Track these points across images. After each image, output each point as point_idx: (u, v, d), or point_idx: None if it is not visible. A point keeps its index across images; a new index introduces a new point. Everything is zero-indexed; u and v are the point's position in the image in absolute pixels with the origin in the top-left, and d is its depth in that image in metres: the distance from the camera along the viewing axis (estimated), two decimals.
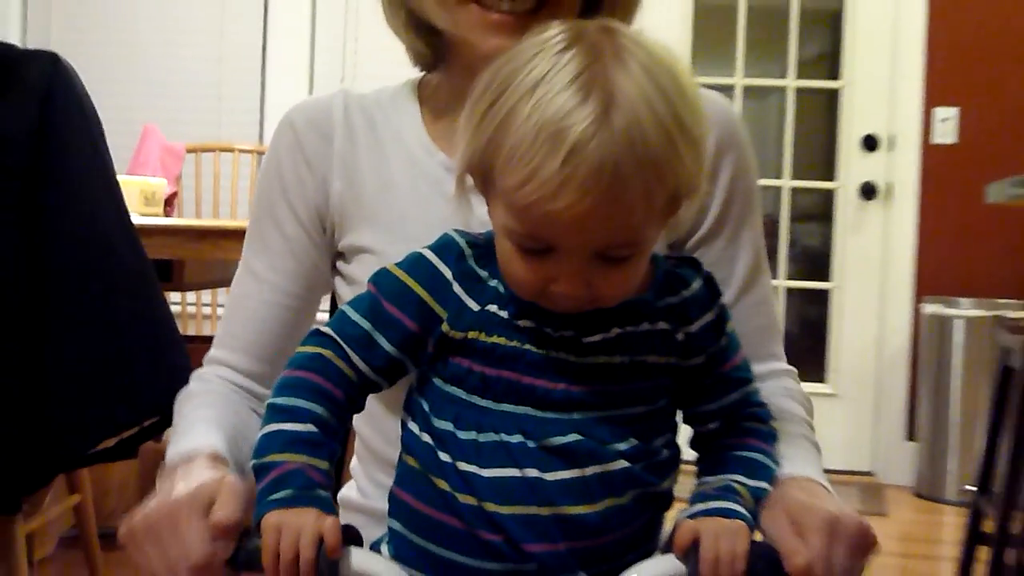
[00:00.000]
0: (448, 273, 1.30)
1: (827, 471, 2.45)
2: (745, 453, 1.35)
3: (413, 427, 1.32)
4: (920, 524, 4.83)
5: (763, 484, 1.31)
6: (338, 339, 1.30)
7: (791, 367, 1.59)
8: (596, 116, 1.13)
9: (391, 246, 1.40)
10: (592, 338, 1.28)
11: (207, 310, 5.21)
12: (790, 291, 5.73)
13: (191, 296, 5.18)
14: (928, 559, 4.32)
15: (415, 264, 1.32)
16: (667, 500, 1.36)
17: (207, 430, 1.39)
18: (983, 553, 3.69)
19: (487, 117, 1.21)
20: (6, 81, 2.79)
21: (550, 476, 1.24)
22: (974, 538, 3.80)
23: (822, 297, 5.71)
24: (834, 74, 5.68)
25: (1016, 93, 5.44)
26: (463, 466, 1.24)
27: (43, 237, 2.80)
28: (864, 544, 1.23)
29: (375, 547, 1.33)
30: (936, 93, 5.50)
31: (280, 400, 1.26)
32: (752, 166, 1.57)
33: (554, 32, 1.23)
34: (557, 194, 1.13)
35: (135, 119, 5.35)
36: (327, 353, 1.29)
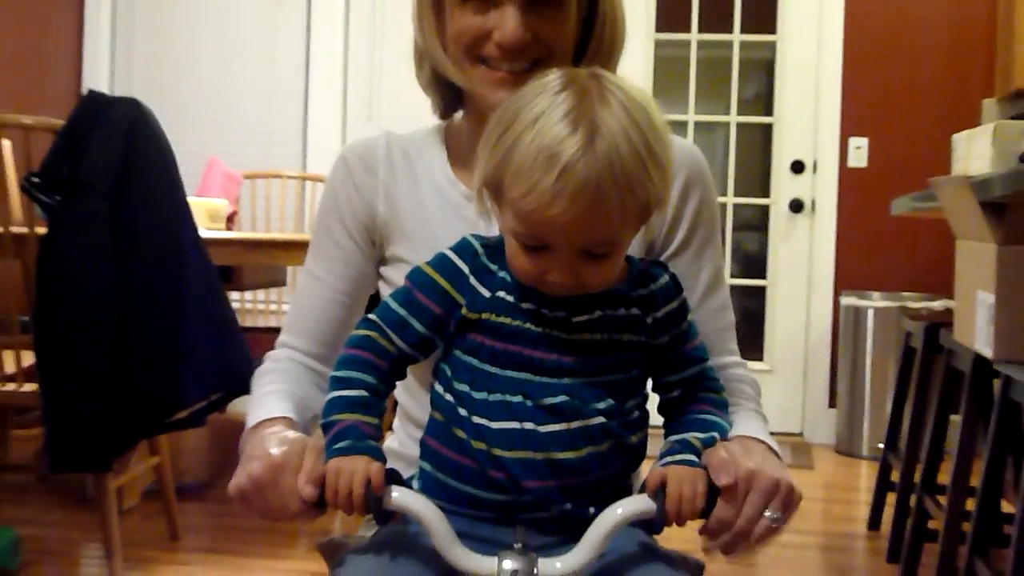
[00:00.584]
0: (465, 268, 1.36)
1: None
2: (701, 416, 1.40)
3: (439, 388, 1.38)
4: (840, 475, 4.81)
5: (715, 438, 1.36)
6: (381, 323, 1.36)
7: (743, 360, 1.63)
8: (583, 143, 1.20)
9: (422, 257, 1.41)
10: (579, 318, 1.33)
11: (261, 306, 5.19)
12: (733, 287, 5.53)
13: (248, 295, 5.15)
14: (847, 503, 4.32)
15: (439, 262, 1.37)
16: (638, 453, 1.40)
17: (280, 400, 1.44)
18: (891, 498, 3.71)
19: (499, 143, 1.27)
20: (98, 122, 2.86)
21: (543, 428, 1.30)
22: (883, 486, 3.87)
23: (760, 292, 5.70)
24: (768, 111, 5.68)
25: (914, 125, 5.46)
26: (476, 419, 1.31)
27: (129, 247, 2.88)
28: (792, 496, 1.28)
29: (408, 483, 1.33)
30: (850, 125, 5.52)
31: (340, 373, 1.34)
32: (714, 199, 1.60)
33: (552, 77, 1.30)
34: (551, 203, 1.20)
35: (202, 152, 5.32)
36: (373, 334, 1.36)
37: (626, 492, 1.36)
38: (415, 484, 1.38)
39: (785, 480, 1.27)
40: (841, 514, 4.17)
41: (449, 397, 1.35)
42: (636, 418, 1.38)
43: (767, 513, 1.24)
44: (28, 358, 3.03)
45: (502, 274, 1.36)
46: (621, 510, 1.25)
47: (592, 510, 1.29)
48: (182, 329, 2.94)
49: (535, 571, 1.21)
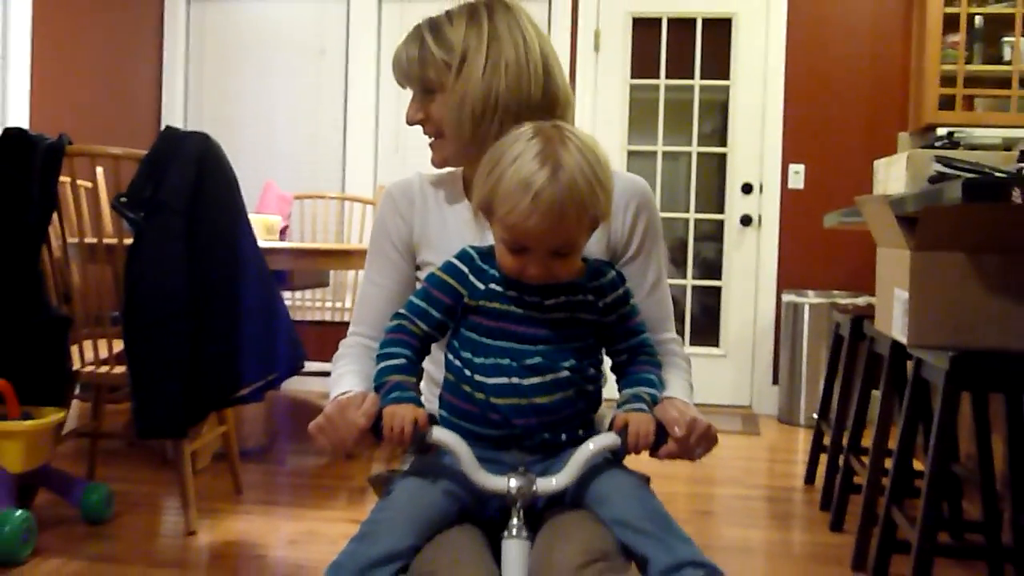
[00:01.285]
0: (465, 269, 1.52)
1: (719, 406, 2.72)
2: (644, 375, 1.57)
3: (450, 356, 1.54)
4: (781, 440, 4.81)
5: (656, 393, 1.55)
6: (408, 313, 1.53)
7: (678, 337, 1.76)
8: (549, 175, 1.38)
9: (443, 260, 1.57)
10: (549, 302, 1.50)
11: (308, 303, 5.19)
12: (694, 287, 5.72)
13: (298, 294, 5.11)
14: (787, 463, 4.32)
15: (446, 267, 1.54)
16: (595, 398, 1.58)
17: (351, 378, 1.58)
18: (823, 458, 3.73)
19: (489, 176, 1.43)
20: (174, 152, 2.88)
21: (526, 381, 1.47)
22: (817, 448, 3.89)
23: (716, 291, 5.69)
24: (723, 143, 5.65)
25: (842, 154, 5.48)
26: (477, 378, 1.48)
27: (199, 255, 2.89)
28: (709, 436, 1.48)
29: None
30: (790, 154, 5.53)
31: (384, 349, 1.51)
32: (658, 220, 1.74)
33: (525, 128, 1.46)
34: (528, 218, 1.38)
35: (260, 176, 5.37)
36: (404, 322, 1.53)
37: (588, 425, 1.56)
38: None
39: (712, 428, 1.48)
40: (782, 471, 4.17)
41: (457, 363, 1.52)
42: (592, 374, 1.56)
43: (698, 449, 1.47)
44: (118, 345, 3.05)
45: (492, 271, 1.52)
46: (594, 445, 1.42)
47: (564, 436, 1.50)
48: (243, 322, 2.95)
49: (534, 487, 1.39)
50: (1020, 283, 2.30)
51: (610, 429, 1.46)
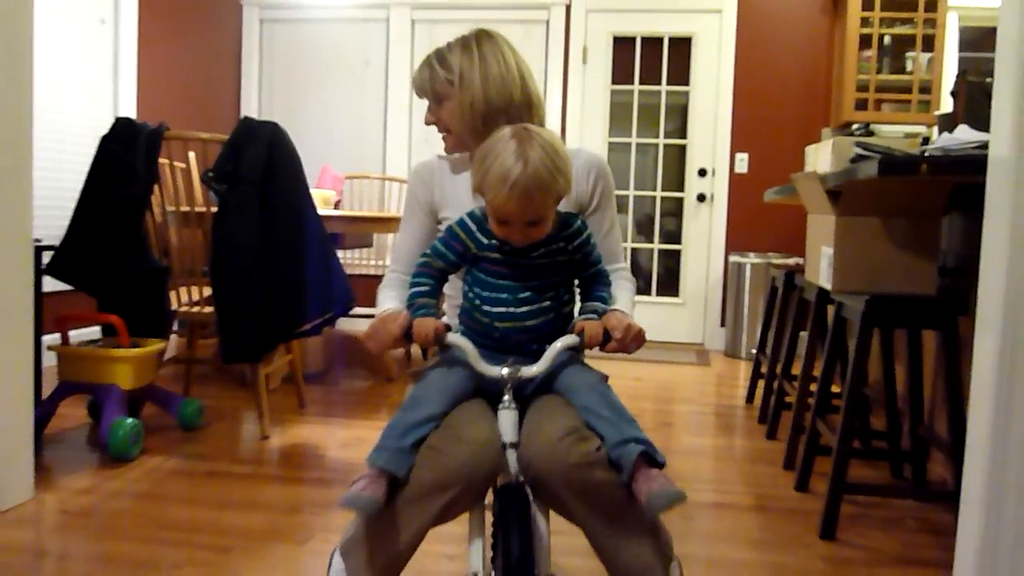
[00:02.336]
0: (473, 226, 1.60)
1: (678, 343, 2.90)
2: (598, 294, 1.67)
3: (465, 289, 1.64)
4: (727, 369, 4.79)
5: (605, 307, 1.65)
6: (431, 254, 1.63)
7: (627, 266, 1.86)
8: (522, 167, 1.46)
9: (455, 218, 1.64)
10: (533, 254, 1.58)
11: (357, 260, 5.20)
12: (660, 251, 5.69)
13: (348, 252, 5.15)
14: (731, 387, 4.29)
15: (460, 222, 1.62)
16: (568, 318, 1.65)
17: (392, 301, 1.73)
18: (760, 383, 3.77)
19: (480, 168, 1.51)
20: (250, 137, 2.84)
21: (519, 310, 1.59)
22: (756, 375, 3.90)
23: (677, 253, 5.66)
24: (684, 136, 5.61)
25: (778, 145, 5.44)
26: (484, 307, 1.59)
27: (271, 218, 2.86)
28: (640, 337, 1.58)
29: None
30: (737, 144, 5.50)
31: (414, 279, 1.62)
32: (611, 184, 1.86)
33: (504, 131, 1.53)
34: (507, 202, 1.47)
35: (318, 160, 5.40)
36: (428, 260, 1.62)
37: (563, 334, 1.60)
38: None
39: (643, 331, 1.59)
40: (727, 393, 4.14)
41: (470, 295, 1.63)
42: (566, 299, 1.67)
43: (628, 347, 1.57)
44: (206, 291, 3.06)
45: (488, 230, 1.61)
46: (560, 343, 1.54)
47: (547, 347, 1.55)
48: (305, 272, 2.93)
49: (519, 372, 1.52)
50: (921, 241, 2.28)
51: (571, 332, 1.57)
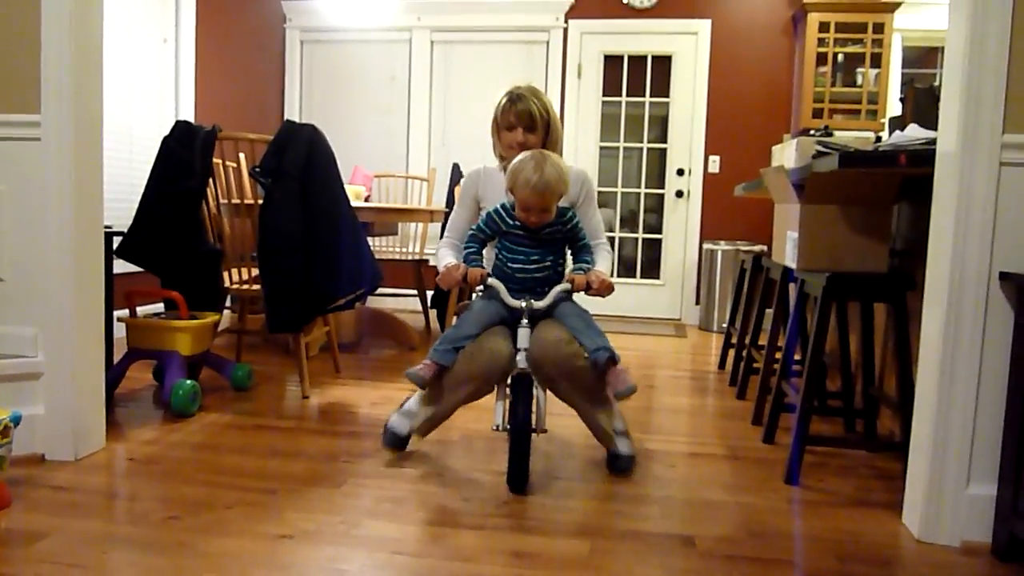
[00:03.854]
0: (503, 213, 2.12)
1: (659, 319, 4.68)
2: (583, 257, 2.18)
3: (496, 252, 2.16)
4: (702, 341, 4.74)
5: (588, 267, 2.16)
6: (476, 229, 2.16)
7: (607, 241, 2.27)
8: (539, 176, 1.99)
9: (491, 206, 2.16)
10: (541, 232, 2.11)
11: (384, 247, 5.16)
12: (644, 239, 5.62)
13: (377, 240, 5.11)
14: (705, 356, 4.23)
15: (495, 210, 2.14)
16: (562, 274, 2.17)
17: (451, 259, 2.18)
18: (730, 353, 3.76)
19: (511, 175, 2.06)
20: (292, 137, 2.79)
21: (530, 266, 2.11)
22: (727, 346, 3.85)
23: (658, 242, 5.59)
24: (664, 141, 5.53)
25: (746, 149, 5.37)
26: (509, 264, 2.12)
27: (309, 208, 2.80)
28: (609, 286, 2.07)
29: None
30: (710, 148, 5.42)
31: (467, 244, 2.17)
32: (593, 187, 2.27)
33: (527, 153, 2.07)
34: (529, 197, 2.03)
35: (351, 160, 5.35)
36: (476, 232, 2.16)
37: (558, 283, 2.12)
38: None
39: (612, 284, 2.09)
40: (701, 361, 4.10)
41: (501, 257, 2.14)
42: (561, 262, 2.18)
43: (600, 295, 2.09)
44: (254, 272, 3.02)
45: (515, 217, 2.11)
46: (559, 288, 2.08)
47: (547, 289, 2.09)
48: (339, 254, 2.88)
49: (532, 305, 2.04)
50: (874, 226, 2.23)
51: (566, 281, 2.10)
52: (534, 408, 2.00)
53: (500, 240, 2.12)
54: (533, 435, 2.01)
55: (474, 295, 2.26)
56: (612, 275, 2.19)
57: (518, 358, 1.97)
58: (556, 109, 5.39)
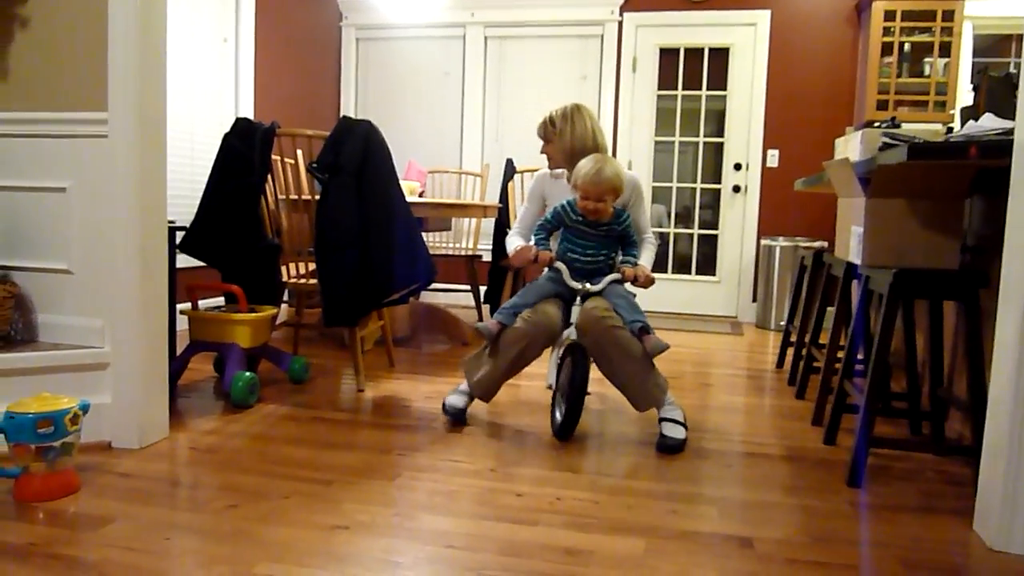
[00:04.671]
0: (568, 209, 2.46)
1: (715, 316, 4.87)
2: (631, 251, 2.51)
3: (560, 242, 2.50)
4: (758, 339, 4.65)
5: (635, 260, 2.49)
6: (543, 222, 2.51)
7: (653, 234, 2.63)
8: (598, 170, 2.38)
9: (554, 204, 2.53)
10: (599, 228, 2.45)
11: (438, 242, 5.20)
12: (699, 235, 5.54)
13: (430, 235, 5.15)
14: (762, 354, 4.15)
15: (560, 207, 2.48)
16: (614, 263, 2.51)
17: (521, 243, 2.57)
18: (789, 351, 3.69)
19: (577, 172, 2.42)
20: (349, 133, 2.81)
21: (587, 256, 2.47)
22: (785, 344, 3.79)
23: (714, 238, 5.51)
24: (721, 135, 5.44)
25: (805, 143, 5.24)
26: (570, 253, 2.47)
27: (366, 203, 2.82)
28: (651, 278, 2.41)
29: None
30: (769, 142, 5.32)
31: (536, 233, 2.52)
32: (642, 189, 2.59)
33: (592, 156, 2.45)
34: (589, 187, 2.38)
35: (405, 156, 5.41)
36: (544, 223, 2.50)
37: (611, 271, 2.49)
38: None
39: (652, 277, 2.42)
40: (759, 359, 4.01)
41: (563, 246, 2.48)
42: (614, 255, 2.51)
43: (643, 287, 2.40)
44: (311, 267, 3.05)
45: (577, 211, 2.44)
46: (611, 276, 2.41)
47: (600, 278, 2.44)
48: (394, 249, 2.88)
49: (589, 288, 2.40)
50: (942, 221, 2.14)
51: (616, 271, 2.45)
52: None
53: (564, 232, 2.48)
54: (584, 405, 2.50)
55: (541, 276, 2.61)
56: (666, 270, 2.84)
57: (570, 331, 2.36)
58: (606, 110, 5.41)
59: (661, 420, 2.40)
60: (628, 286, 2.44)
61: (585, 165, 2.38)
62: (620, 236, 2.47)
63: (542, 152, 2.68)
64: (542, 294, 2.43)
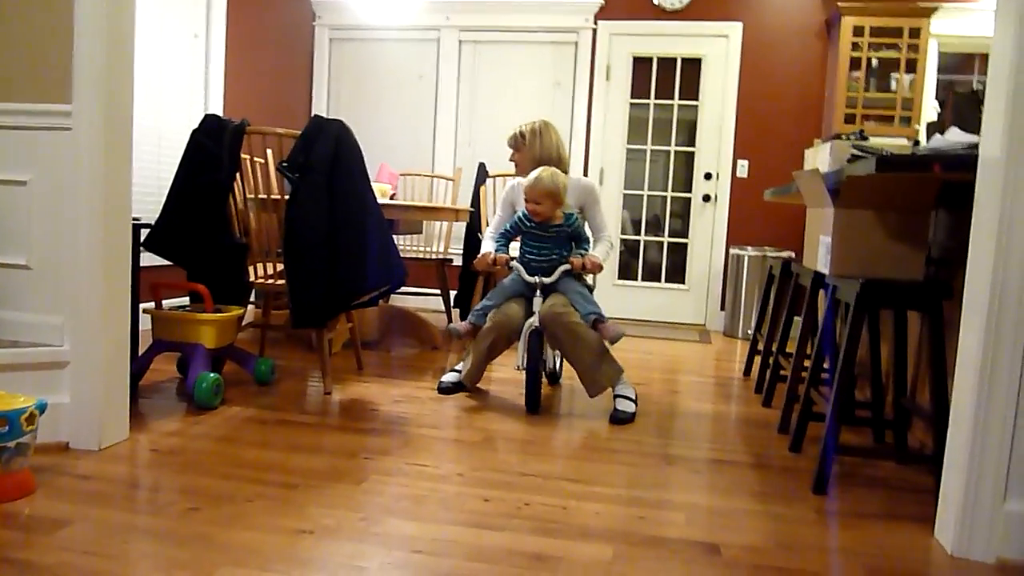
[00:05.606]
0: (524, 217, 2.82)
1: (683, 323, 5.07)
2: (584, 247, 2.85)
3: (521, 244, 2.86)
4: (725, 347, 4.69)
5: (585, 252, 2.83)
6: (509, 227, 2.90)
7: (609, 234, 2.97)
8: (536, 179, 2.75)
9: (519, 212, 2.86)
10: (551, 231, 2.80)
11: (409, 244, 5.17)
12: (669, 243, 5.58)
13: (401, 237, 5.12)
14: (730, 362, 4.19)
15: (522, 214, 2.83)
16: (565, 259, 2.82)
17: (490, 248, 2.93)
18: (757, 359, 3.72)
19: (527, 182, 2.79)
20: (320, 132, 2.78)
21: (541, 256, 2.81)
22: (752, 352, 3.81)
23: (684, 246, 5.55)
24: (692, 144, 5.49)
25: (774, 154, 5.31)
26: (527, 255, 2.83)
27: (336, 203, 2.79)
28: (600, 265, 2.81)
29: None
30: (739, 152, 5.38)
31: (498, 239, 2.91)
32: (597, 193, 2.99)
33: (540, 169, 2.79)
34: (527, 191, 2.75)
35: (377, 159, 5.38)
36: (505, 231, 2.90)
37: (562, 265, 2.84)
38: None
39: (602, 264, 2.80)
40: (726, 367, 4.04)
41: (523, 248, 2.83)
42: (566, 253, 2.84)
43: (592, 273, 2.80)
44: (280, 268, 3.01)
45: (530, 218, 2.78)
46: (562, 268, 2.78)
47: (554, 270, 2.80)
48: (364, 252, 2.85)
49: (543, 281, 2.77)
50: (908, 233, 2.18)
51: (566, 263, 2.80)
52: (546, 358, 2.98)
53: (522, 237, 2.87)
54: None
55: (506, 279, 2.97)
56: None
57: (532, 320, 2.74)
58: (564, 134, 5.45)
59: (615, 396, 2.82)
60: (589, 279, 2.91)
61: (532, 173, 2.78)
62: (571, 236, 2.85)
63: (511, 160, 3.04)
64: (507, 294, 2.84)
